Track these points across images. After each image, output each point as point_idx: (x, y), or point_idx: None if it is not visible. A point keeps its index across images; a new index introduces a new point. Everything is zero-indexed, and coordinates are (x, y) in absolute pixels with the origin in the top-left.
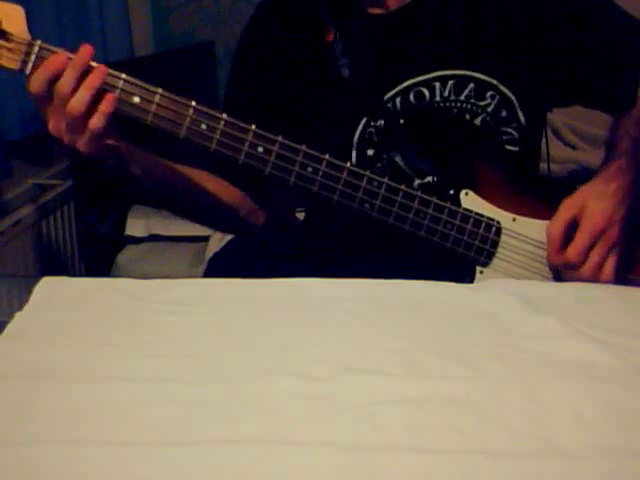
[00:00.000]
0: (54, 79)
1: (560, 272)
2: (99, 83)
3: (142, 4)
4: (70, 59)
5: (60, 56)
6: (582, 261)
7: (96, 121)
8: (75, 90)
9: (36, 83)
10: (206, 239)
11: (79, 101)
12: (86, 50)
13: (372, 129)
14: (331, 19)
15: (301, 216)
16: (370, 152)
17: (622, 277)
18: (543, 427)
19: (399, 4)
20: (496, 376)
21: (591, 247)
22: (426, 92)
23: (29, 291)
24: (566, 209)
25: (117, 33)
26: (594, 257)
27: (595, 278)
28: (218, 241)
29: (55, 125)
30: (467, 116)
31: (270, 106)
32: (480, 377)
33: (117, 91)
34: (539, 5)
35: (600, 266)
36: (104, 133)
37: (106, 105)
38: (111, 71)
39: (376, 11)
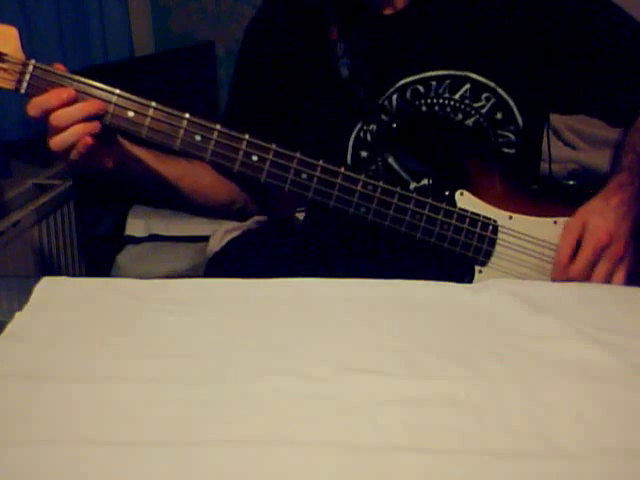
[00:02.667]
0: (51, 111)
1: None
2: (89, 132)
3: (142, 4)
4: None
5: (63, 94)
6: (586, 277)
7: (75, 154)
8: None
9: (33, 109)
10: (206, 239)
11: (64, 140)
12: (99, 106)
13: (367, 131)
14: (335, 18)
15: (301, 216)
16: (364, 154)
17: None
18: (543, 427)
19: (405, 3)
20: (496, 376)
21: (595, 263)
22: (421, 89)
23: (29, 291)
24: (568, 231)
25: (117, 33)
26: (599, 272)
27: None
28: (218, 241)
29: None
30: (459, 116)
31: (270, 102)
32: (480, 377)
33: (111, 106)
34: (542, 12)
35: (606, 281)
36: (86, 159)
37: (82, 146)
38: (104, 86)
39: (385, 11)
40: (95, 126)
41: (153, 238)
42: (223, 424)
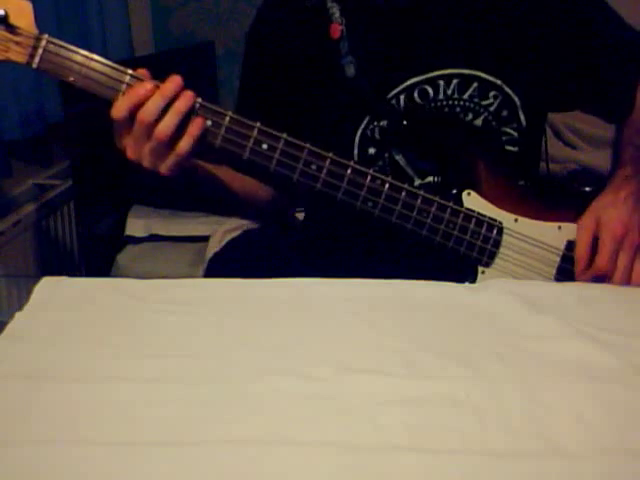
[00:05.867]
0: (138, 107)
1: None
2: (187, 108)
3: (142, 4)
4: (157, 86)
5: (147, 85)
6: (611, 269)
7: (184, 144)
8: (161, 117)
9: (120, 110)
10: (206, 239)
11: (167, 126)
12: (176, 81)
13: (375, 128)
14: (339, 16)
15: (301, 216)
16: (372, 150)
17: None
18: (543, 427)
19: (410, 1)
20: (496, 376)
21: (617, 254)
22: (430, 90)
23: (29, 291)
24: (584, 230)
25: (117, 33)
26: (622, 262)
27: (627, 282)
28: (218, 241)
29: (136, 150)
30: (470, 115)
31: (276, 101)
32: (480, 377)
33: (123, 86)
34: (545, 11)
35: (629, 270)
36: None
37: (194, 128)
38: (117, 66)
39: (390, 9)
40: (191, 96)
41: (153, 238)
42: (223, 424)
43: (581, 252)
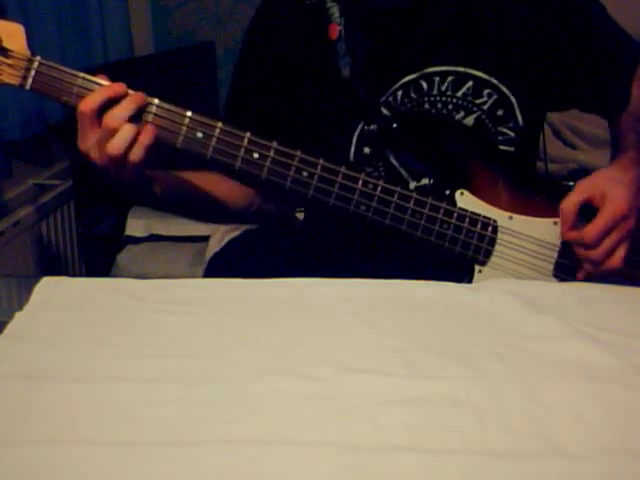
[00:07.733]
0: (106, 105)
1: (571, 246)
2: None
3: (142, 4)
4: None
5: (119, 86)
6: (597, 244)
7: (137, 152)
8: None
9: (88, 105)
10: (206, 239)
11: (123, 138)
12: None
13: (368, 130)
14: (338, 17)
15: (301, 216)
16: (367, 150)
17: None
18: (543, 427)
19: (407, 0)
20: (496, 376)
21: (609, 231)
22: (425, 85)
23: (29, 291)
24: (581, 190)
25: (117, 33)
26: (609, 241)
27: (604, 261)
28: (218, 241)
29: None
30: (461, 113)
31: (272, 100)
32: (480, 377)
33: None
34: (540, 10)
35: (612, 251)
36: (144, 163)
37: (145, 137)
38: (108, 83)
39: (387, 8)
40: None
41: (153, 238)
42: (223, 424)
43: (569, 207)
